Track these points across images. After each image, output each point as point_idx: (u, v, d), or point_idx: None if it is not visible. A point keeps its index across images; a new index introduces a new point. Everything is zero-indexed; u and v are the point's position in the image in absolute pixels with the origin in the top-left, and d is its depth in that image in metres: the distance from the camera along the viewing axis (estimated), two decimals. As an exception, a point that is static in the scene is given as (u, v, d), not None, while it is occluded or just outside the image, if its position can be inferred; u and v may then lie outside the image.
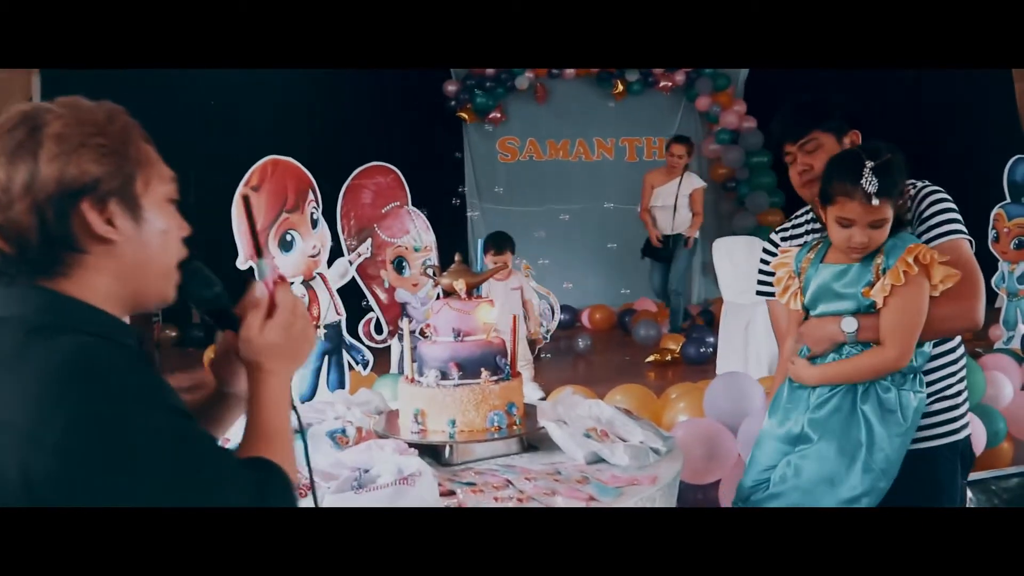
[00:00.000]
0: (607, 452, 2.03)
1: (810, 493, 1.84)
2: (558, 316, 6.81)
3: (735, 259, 5.68)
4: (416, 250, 4.72)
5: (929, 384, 1.92)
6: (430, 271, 2.33)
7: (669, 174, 6.90)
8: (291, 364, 1.15)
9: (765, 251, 2.19)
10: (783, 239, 2.17)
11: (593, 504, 1.74)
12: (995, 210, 6.08)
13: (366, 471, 1.80)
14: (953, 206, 1.94)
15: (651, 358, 6.16)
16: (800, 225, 2.14)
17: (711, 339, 6.19)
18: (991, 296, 6.28)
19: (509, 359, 2.23)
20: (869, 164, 1.76)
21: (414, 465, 1.76)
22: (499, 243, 5.25)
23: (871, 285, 1.81)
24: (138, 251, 1.04)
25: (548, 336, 6.51)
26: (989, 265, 6.11)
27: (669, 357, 5.97)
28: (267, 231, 3.65)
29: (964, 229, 1.92)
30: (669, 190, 6.90)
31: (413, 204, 4.73)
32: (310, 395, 3.82)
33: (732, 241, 5.99)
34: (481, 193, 9.15)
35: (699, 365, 6.03)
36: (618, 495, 1.80)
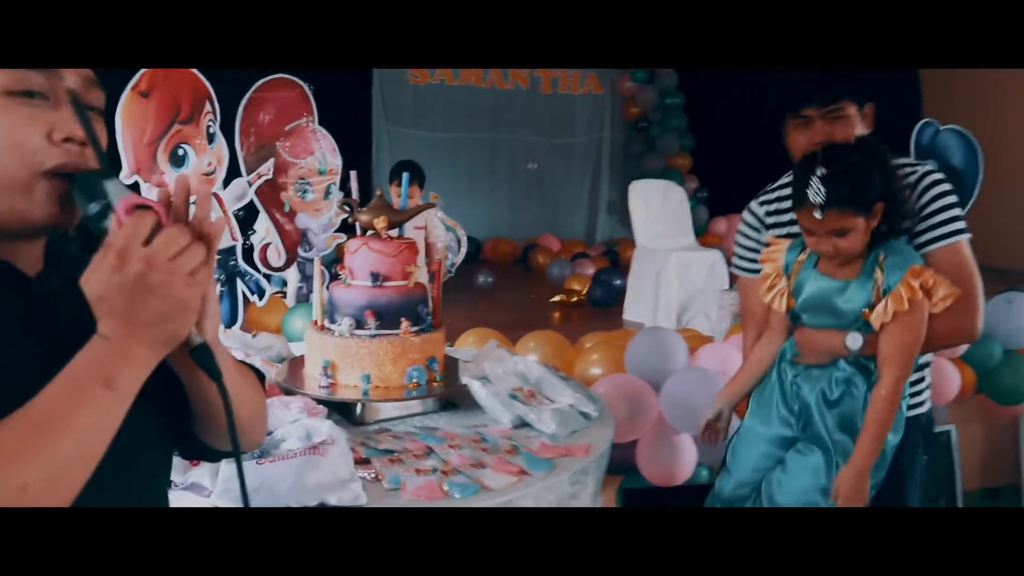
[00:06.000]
0: (533, 417, 1.87)
1: (802, 499, 1.75)
2: (464, 249, 6.60)
3: (651, 204, 5.58)
4: (321, 173, 4.37)
5: None
6: (346, 206, 2.08)
7: None
8: (131, 329, 0.78)
9: (746, 223, 2.01)
10: (768, 213, 1.96)
11: (525, 479, 1.59)
12: None
13: (269, 434, 1.57)
14: (955, 199, 1.77)
15: (556, 298, 6.06)
16: (785, 199, 1.90)
17: (618, 282, 6.12)
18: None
19: (432, 308, 2.03)
20: (820, 171, 1.62)
21: (325, 430, 1.55)
22: (413, 173, 4.95)
23: (870, 305, 1.68)
24: None
25: (454, 270, 6.29)
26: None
27: (575, 299, 5.88)
28: (156, 144, 3.26)
29: (965, 226, 1.77)
30: None
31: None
32: (229, 322, 3.50)
33: (648, 185, 5.88)
34: (388, 115, 8.76)
35: (605, 308, 5.96)
36: (551, 468, 1.64)
